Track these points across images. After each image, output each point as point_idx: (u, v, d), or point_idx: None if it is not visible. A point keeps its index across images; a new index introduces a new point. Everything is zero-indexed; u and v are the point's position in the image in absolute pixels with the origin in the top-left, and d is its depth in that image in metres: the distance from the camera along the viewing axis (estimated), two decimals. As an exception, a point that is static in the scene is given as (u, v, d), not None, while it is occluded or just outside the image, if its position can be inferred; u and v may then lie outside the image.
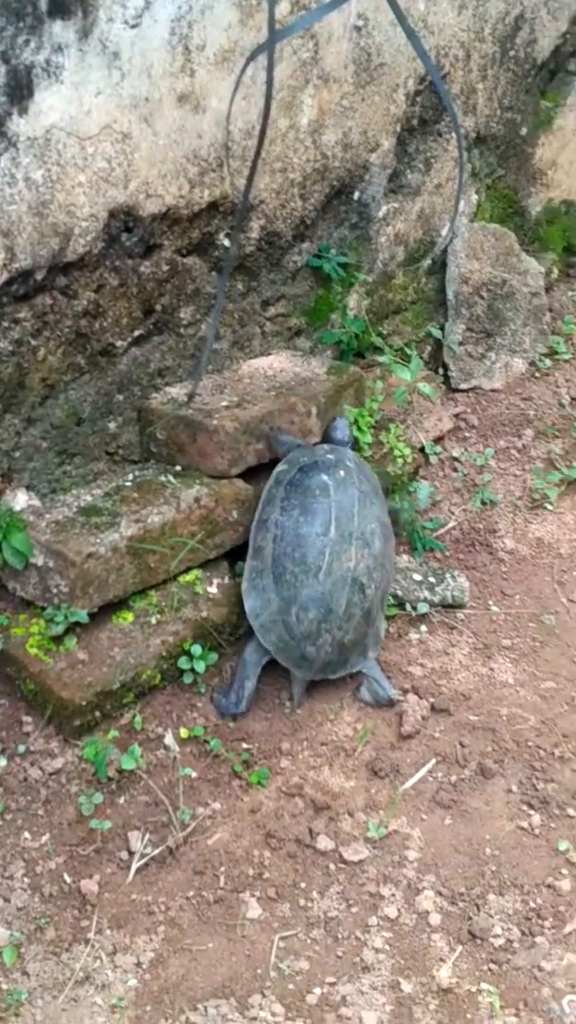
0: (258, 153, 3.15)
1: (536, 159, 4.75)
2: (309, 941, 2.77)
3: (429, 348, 4.51)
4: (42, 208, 3.00)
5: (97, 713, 3.08)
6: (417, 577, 3.70)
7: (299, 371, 3.78)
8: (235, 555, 3.52)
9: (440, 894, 2.91)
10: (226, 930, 2.77)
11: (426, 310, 4.48)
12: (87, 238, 3.14)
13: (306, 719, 3.32)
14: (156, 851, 2.90)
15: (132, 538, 3.18)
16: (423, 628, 3.66)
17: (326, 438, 3.71)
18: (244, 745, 3.20)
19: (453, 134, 4.13)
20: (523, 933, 2.83)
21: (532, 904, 2.90)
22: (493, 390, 4.55)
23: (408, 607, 3.65)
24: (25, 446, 3.29)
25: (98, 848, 2.90)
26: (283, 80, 3.49)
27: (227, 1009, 2.59)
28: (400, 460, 3.94)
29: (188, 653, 3.26)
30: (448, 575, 3.74)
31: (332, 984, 2.68)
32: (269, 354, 3.89)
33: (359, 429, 3.77)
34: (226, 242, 3.51)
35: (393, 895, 2.89)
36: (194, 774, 3.09)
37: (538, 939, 2.82)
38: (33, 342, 3.17)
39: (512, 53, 4.38)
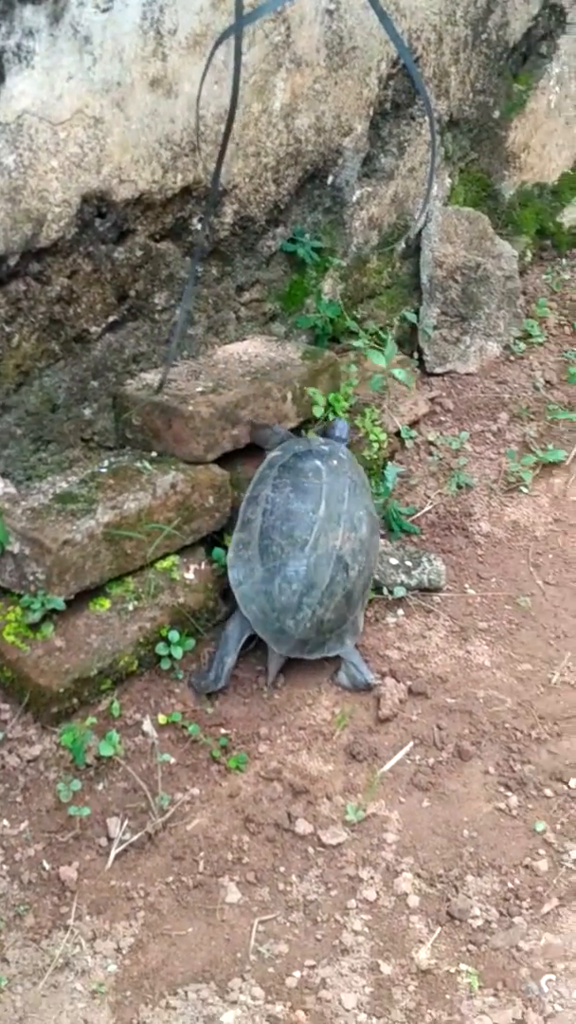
0: (227, 137, 3.15)
1: (509, 142, 4.75)
2: (288, 924, 2.78)
3: (404, 332, 4.51)
4: (14, 194, 2.99)
5: (75, 700, 3.08)
6: (394, 561, 3.70)
7: (274, 356, 3.78)
8: (212, 541, 3.52)
9: (419, 876, 2.92)
10: (205, 915, 2.78)
11: (400, 294, 4.48)
12: (60, 224, 3.13)
13: (284, 704, 3.32)
14: (135, 837, 2.90)
15: (108, 524, 3.17)
16: (400, 612, 3.67)
17: (324, 436, 3.76)
18: (222, 730, 3.21)
19: (426, 118, 4.13)
20: (501, 914, 2.85)
21: (510, 885, 2.91)
22: (468, 374, 4.56)
23: (385, 591, 3.66)
24: (0, 433, 3.28)
25: (77, 835, 2.90)
26: (255, 64, 3.48)
27: (207, 993, 2.60)
28: (376, 445, 3.94)
29: (165, 639, 3.26)
30: (424, 559, 3.75)
31: (312, 967, 2.69)
32: (244, 339, 3.88)
33: (334, 413, 3.77)
34: (199, 227, 3.51)
35: (372, 878, 2.91)
36: (172, 760, 3.10)
37: (516, 919, 2.84)
38: (7, 328, 3.16)
39: (484, 36, 4.38)
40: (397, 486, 4.02)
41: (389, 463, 4.04)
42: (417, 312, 4.50)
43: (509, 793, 3.14)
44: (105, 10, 3.01)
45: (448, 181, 4.53)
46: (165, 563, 3.36)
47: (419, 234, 4.45)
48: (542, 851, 3.00)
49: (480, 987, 2.69)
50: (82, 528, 3.12)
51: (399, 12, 3.91)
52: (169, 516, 3.32)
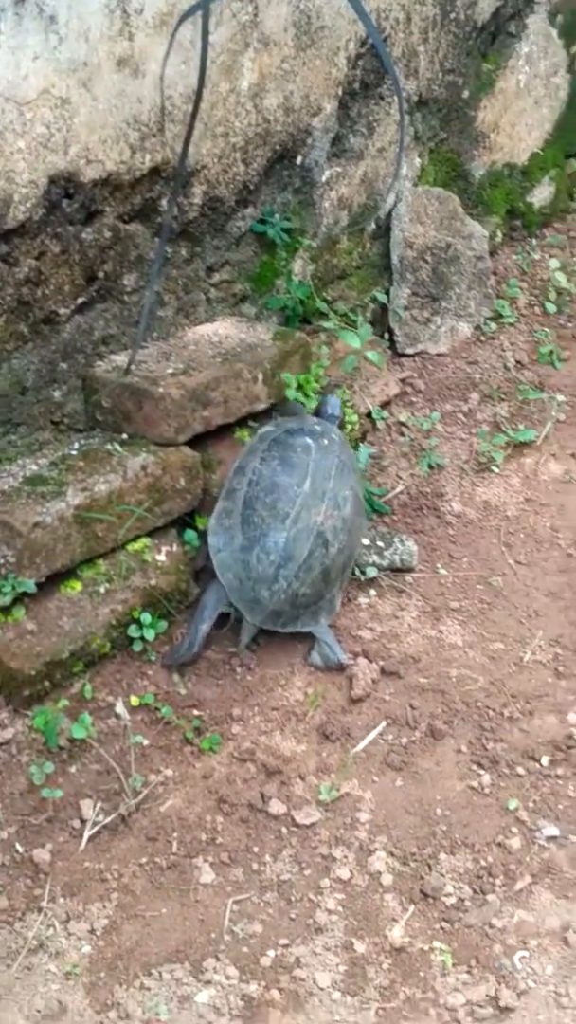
0: (194, 117, 3.14)
1: (479, 122, 4.75)
2: (262, 904, 2.79)
3: (374, 313, 4.51)
4: (-19, 175, 2.97)
5: (47, 683, 3.07)
6: (366, 542, 3.71)
7: (245, 337, 3.77)
8: (184, 523, 3.52)
9: (392, 855, 2.93)
10: (179, 895, 2.78)
11: (371, 275, 4.48)
12: (27, 205, 3.11)
13: (257, 685, 3.32)
14: (108, 819, 2.90)
15: (79, 507, 3.16)
16: (372, 592, 3.68)
17: (316, 413, 3.80)
18: (195, 712, 3.21)
19: (395, 98, 4.12)
20: (474, 891, 2.86)
21: (483, 863, 2.93)
22: (439, 354, 4.56)
23: (357, 572, 3.66)
24: (-31, 416, 3.27)
25: (50, 817, 2.90)
26: (222, 43, 3.46)
27: (181, 973, 2.60)
28: (347, 426, 3.94)
29: (138, 621, 3.26)
30: (396, 539, 3.75)
31: (286, 946, 2.69)
32: (214, 321, 3.87)
33: (305, 395, 3.77)
34: (168, 208, 3.49)
35: (345, 857, 2.91)
36: (145, 742, 3.09)
37: (489, 897, 2.85)
38: (-25, 311, 3.15)
39: (453, 15, 4.37)
40: (369, 467, 4.02)
41: (361, 444, 4.04)
42: (388, 293, 4.49)
43: (482, 772, 3.16)
44: (71, -11, 2.99)
45: (418, 161, 4.53)
46: (137, 545, 3.35)
47: (389, 214, 4.44)
48: (515, 829, 3.01)
49: (454, 964, 2.70)
50: (52, 511, 3.10)
51: (367, -9, 3.90)
52: (140, 498, 3.31)
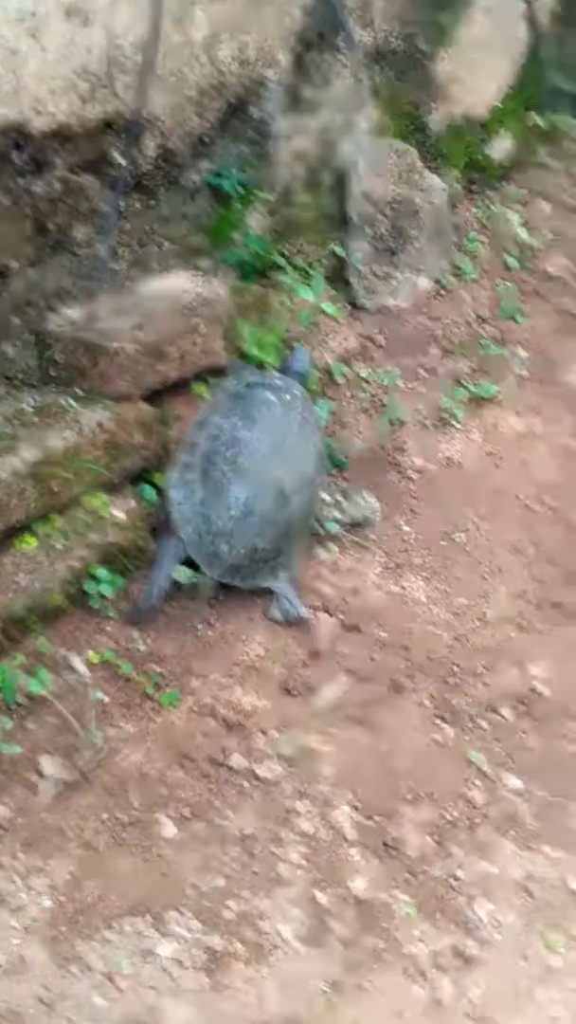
0: (147, 67, 3.09)
1: (436, 74, 4.70)
2: (225, 858, 2.77)
3: (333, 267, 4.46)
4: None
5: (3, 639, 3.03)
6: (327, 498, 3.68)
7: (201, 291, 3.73)
8: (141, 479, 3.48)
9: (355, 808, 2.92)
10: (141, 850, 2.75)
11: (329, 228, 4.42)
12: (-24, 155, 3.06)
13: (217, 640, 3.30)
14: (69, 774, 2.87)
15: (34, 463, 3.12)
16: (333, 548, 3.65)
17: (284, 367, 3.77)
18: (155, 667, 3.18)
19: (351, 49, 4.08)
20: (437, 844, 2.86)
21: (446, 815, 2.93)
22: (399, 309, 4.52)
23: (318, 527, 3.63)
24: None
25: (8, 773, 2.86)
26: (174, -9, 3.41)
27: (143, 926, 2.58)
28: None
29: (95, 578, 3.23)
30: (358, 495, 3.73)
31: (248, 899, 2.68)
32: (170, 275, 3.82)
33: (262, 350, 3.73)
34: (121, 160, 3.44)
35: (308, 811, 2.90)
36: (105, 698, 3.06)
37: (452, 849, 2.85)
38: None
39: (409, -34, 4.33)
40: (329, 422, 3.99)
41: (320, 399, 4.01)
42: (346, 246, 4.44)
43: (444, 725, 3.16)
44: None
45: (375, 113, 4.48)
46: (94, 502, 3.31)
47: (347, 168, 4.39)
48: (477, 781, 3.02)
49: (418, 915, 2.69)
50: (6, 466, 3.07)
51: None
52: (97, 454, 3.27)
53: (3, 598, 3.04)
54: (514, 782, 3.03)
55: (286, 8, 3.83)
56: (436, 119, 4.78)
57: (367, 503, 3.72)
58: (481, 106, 5.00)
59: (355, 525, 3.71)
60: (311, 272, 4.18)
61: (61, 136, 3.28)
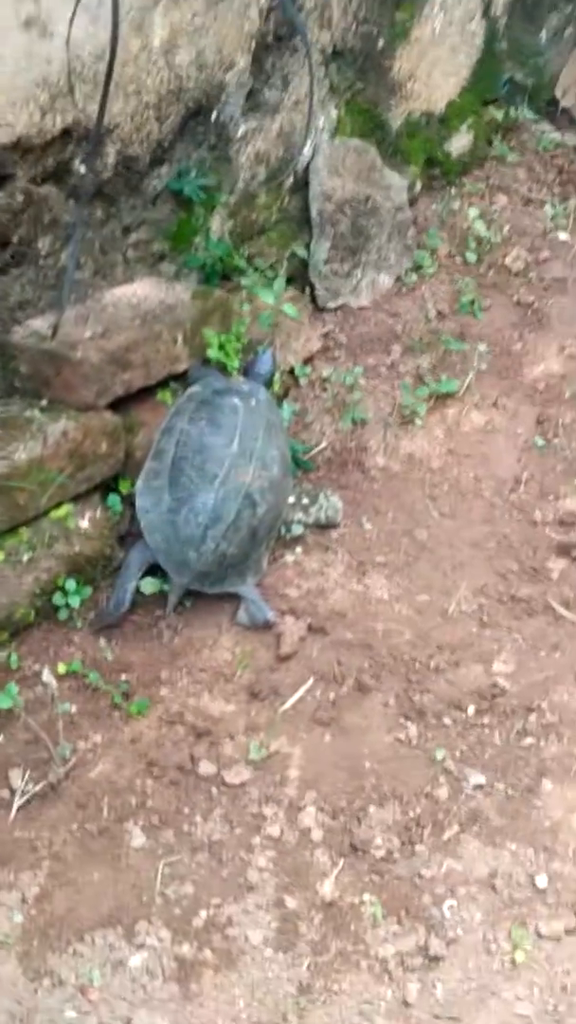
0: (108, 76, 3.10)
1: (395, 71, 4.71)
2: (194, 865, 2.82)
3: (295, 268, 4.48)
4: None
5: (-28, 654, 3.08)
6: (291, 499, 3.72)
7: (164, 297, 3.74)
8: (107, 488, 3.51)
9: (321, 810, 2.97)
10: (111, 860, 2.80)
11: (290, 229, 4.45)
12: None
13: (184, 647, 3.34)
14: (38, 787, 2.91)
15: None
16: (298, 550, 3.70)
17: (247, 370, 3.82)
18: (123, 676, 3.22)
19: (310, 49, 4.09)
20: (403, 843, 2.92)
21: (411, 814, 2.98)
22: (361, 308, 4.55)
23: (283, 530, 3.67)
24: None
25: (-22, 788, 2.91)
26: (132, 1, 3.41)
27: (114, 938, 2.64)
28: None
29: (62, 589, 3.27)
30: (321, 495, 3.77)
31: (218, 906, 2.73)
32: (133, 281, 3.83)
33: (226, 354, 3.76)
34: (82, 169, 3.45)
35: (276, 814, 2.95)
36: (73, 709, 3.11)
37: (418, 847, 2.90)
38: None
39: (365, -36, 4.34)
40: (292, 423, 4.03)
41: (284, 401, 4.05)
42: (308, 247, 4.47)
43: (409, 723, 3.20)
44: (-29, -50, 2.94)
45: (334, 113, 4.50)
46: (59, 512, 3.34)
47: (307, 168, 4.41)
48: (442, 779, 3.07)
49: (384, 916, 2.75)
50: (-28, 480, 3.09)
51: (277, -57, 3.86)
52: (61, 465, 3.29)
53: (-29, 612, 3.08)
54: (478, 778, 3.07)
55: (243, 11, 3.83)
56: (395, 116, 4.80)
57: (330, 503, 3.76)
58: (439, 102, 5.01)
59: (319, 526, 3.76)
60: (272, 274, 4.21)
61: (21, 148, 3.28)
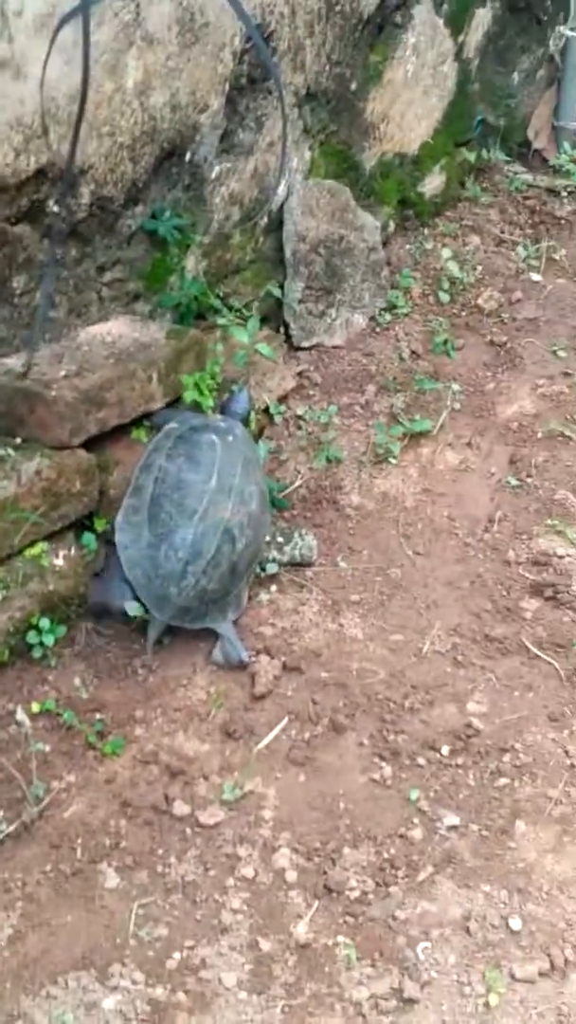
0: (80, 119, 3.12)
1: (368, 113, 4.77)
2: (168, 907, 2.80)
3: (270, 307, 4.51)
4: None
5: (-55, 694, 3.06)
6: (267, 538, 3.72)
7: (138, 336, 3.76)
8: (82, 526, 3.51)
9: (296, 851, 2.96)
10: (84, 902, 2.78)
11: (265, 269, 4.48)
12: None
13: (159, 686, 3.33)
14: (11, 828, 2.89)
15: (-27, 515, 3.14)
16: (273, 588, 3.70)
17: (224, 408, 3.83)
18: (97, 715, 3.21)
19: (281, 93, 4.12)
20: (377, 884, 2.90)
21: (385, 855, 2.97)
22: (335, 347, 4.59)
23: (258, 568, 3.68)
24: None
25: (-49, 829, 2.89)
26: (106, 43, 3.44)
27: (87, 980, 2.61)
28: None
29: (36, 627, 3.25)
30: (296, 534, 3.78)
31: (191, 948, 2.71)
32: (108, 320, 3.85)
33: (200, 393, 3.77)
34: (56, 209, 3.47)
35: (250, 855, 2.94)
36: (47, 748, 3.09)
37: (392, 889, 2.89)
38: None
39: (338, 8, 4.38)
40: (267, 462, 4.04)
41: (259, 439, 4.06)
42: (282, 287, 4.50)
43: (383, 763, 3.20)
44: (-52, -8, 2.96)
45: (308, 154, 4.54)
46: (34, 550, 3.33)
47: (281, 208, 4.45)
48: (416, 820, 3.06)
49: (358, 958, 2.73)
50: (-55, 519, 3.09)
51: (251, -13, 3.90)
52: (35, 503, 3.29)
53: (-56, 652, 3.07)
54: (451, 819, 3.06)
55: (217, 54, 3.87)
56: (368, 157, 4.85)
57: (305, 542, 3.77)
58: (412, 143, 5.07)
59: (294, 564, 3.77)
60: (247, 313, 4.23)
61: (-4, 188, 3.30)
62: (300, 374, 4.42)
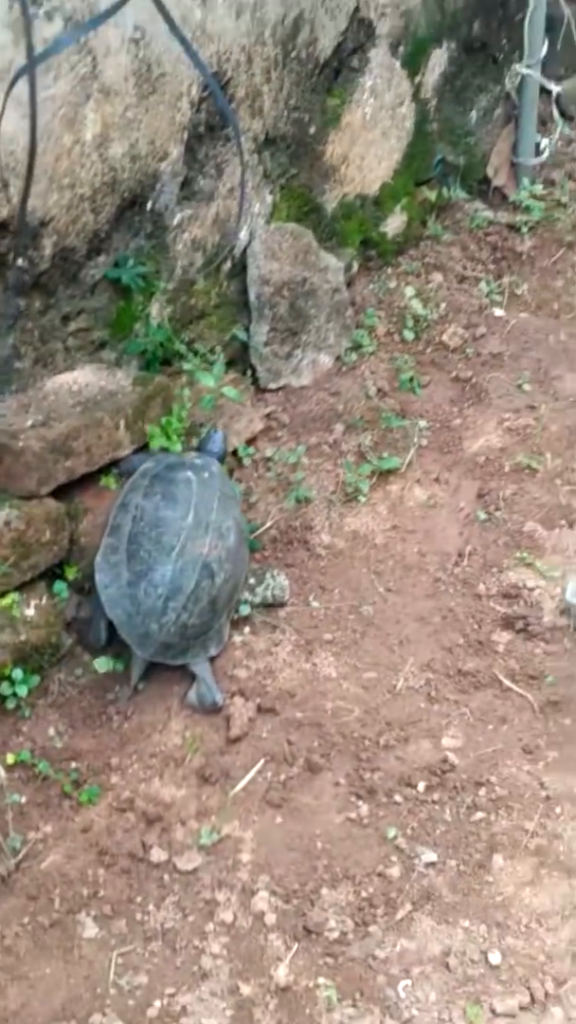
0: (30, 175, 3.15)
1: (328, 156, 4.81)
2: (147, 955, 2.80)
3: (235, 351, 4.54)
4: None
5: None
6: (245, 572, 3.74)
7: (104, 384, 3.78)
8: (52, 575, 3.52)
9: (274, 893, 2.96)
10: (63, 953, 2.78)
11: (230, 313, 4.51)
12: None
13: (134, 732, 3.34)
14: (-12, 880, 2.90)
15: (-57, 568, 3.16)
16: (246, 630, 3.72)
17: (200, 448, 3.89)
18: (73, 764, 3.22)
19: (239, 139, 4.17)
20: (356, 924, 2.91)
21: (364, 894, 2.98)
22: (302, 387, 4.61)
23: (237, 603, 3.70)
24: None
25: None
26: (63, 96, 3.48)
27: (67, 1032, 2.62)
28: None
29: (9, 678, 3.26)
30: (268, 575, 3.80)
31: (172, 995, 2.72)
32: (74, 369, 3.87)
33: (168, 438, 3.80)
34: (19, 262, 3.50)
35: (228, 899, 2.94)
36: (23, 799, 3.10)
37: (371, 928, 2.90)
38: None
39: (294, 54, 4.44)
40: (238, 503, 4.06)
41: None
42: (247, 330, 4.53)
43: (360, 802, 3.21)
44: None
45: (269, 198, 4.58)
46: (4, 601, 3.34)
47: (244, 253, 4.49)
48: (394, 858, 3.07)
49: (339, 999, 2.74)
50: None
51: (206, 36, 3.95)
52: (5, 554, 3.30)
53: None
54: (429, 856, 3.08)
55: (174, 103, 3.91)
56: (329, 199, 4.89)
57: (277, 582, 3.79)
58: (373, 184, 5.12)
59: (266, 605, 3.78)
60: (213, 358, 4.26)
61: (-44, 241, 3.33)
62: (268, 416, 4.44)
